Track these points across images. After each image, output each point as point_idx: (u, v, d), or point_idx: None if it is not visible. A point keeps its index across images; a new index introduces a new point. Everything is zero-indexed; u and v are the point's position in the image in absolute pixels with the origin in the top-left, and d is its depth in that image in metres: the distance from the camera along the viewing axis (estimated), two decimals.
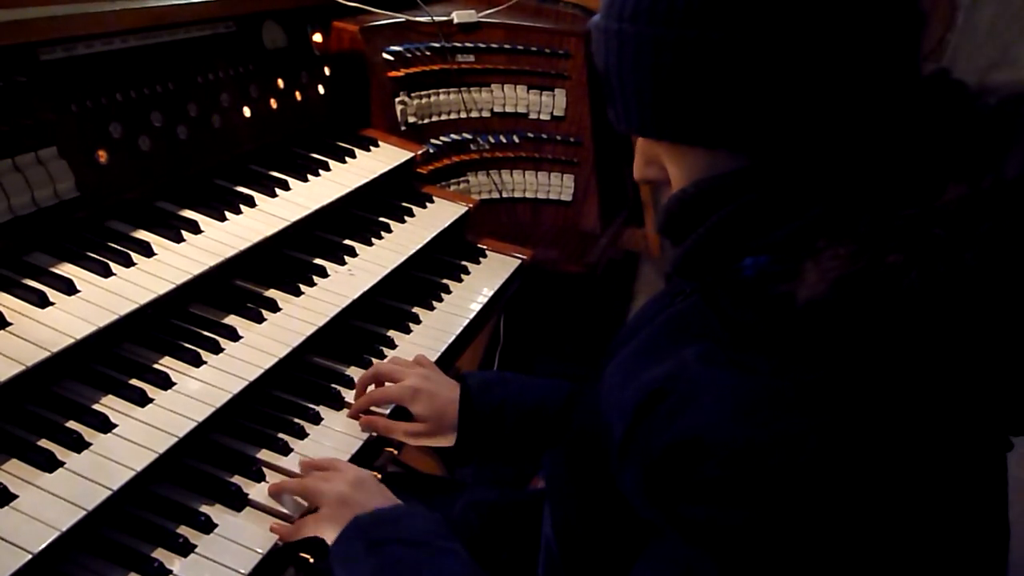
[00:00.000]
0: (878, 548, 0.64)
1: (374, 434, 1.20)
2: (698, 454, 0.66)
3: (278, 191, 1.47)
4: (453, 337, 1.45)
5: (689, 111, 0.73)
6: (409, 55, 1.90)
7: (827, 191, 0.70)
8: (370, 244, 1.54)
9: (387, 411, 1.23)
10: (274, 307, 1.30)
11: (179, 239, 1.27)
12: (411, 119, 1.91)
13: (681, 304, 0.82)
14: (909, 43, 0.72)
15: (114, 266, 1.16)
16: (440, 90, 1.99)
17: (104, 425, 1.00)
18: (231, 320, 1.24)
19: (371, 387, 1.25)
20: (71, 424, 0.99)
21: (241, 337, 1.21)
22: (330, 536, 0.99)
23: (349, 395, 1.25)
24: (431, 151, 1.92)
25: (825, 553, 0.64)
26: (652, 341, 0.82)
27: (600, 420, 0.86)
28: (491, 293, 1.60)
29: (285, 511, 1.04)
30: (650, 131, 0.78)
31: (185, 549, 0.95)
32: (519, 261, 1.73)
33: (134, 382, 1.08)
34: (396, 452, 1.23)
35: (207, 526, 0.99)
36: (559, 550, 0.94)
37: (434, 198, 1.77)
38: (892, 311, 0.62)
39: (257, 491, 1.05)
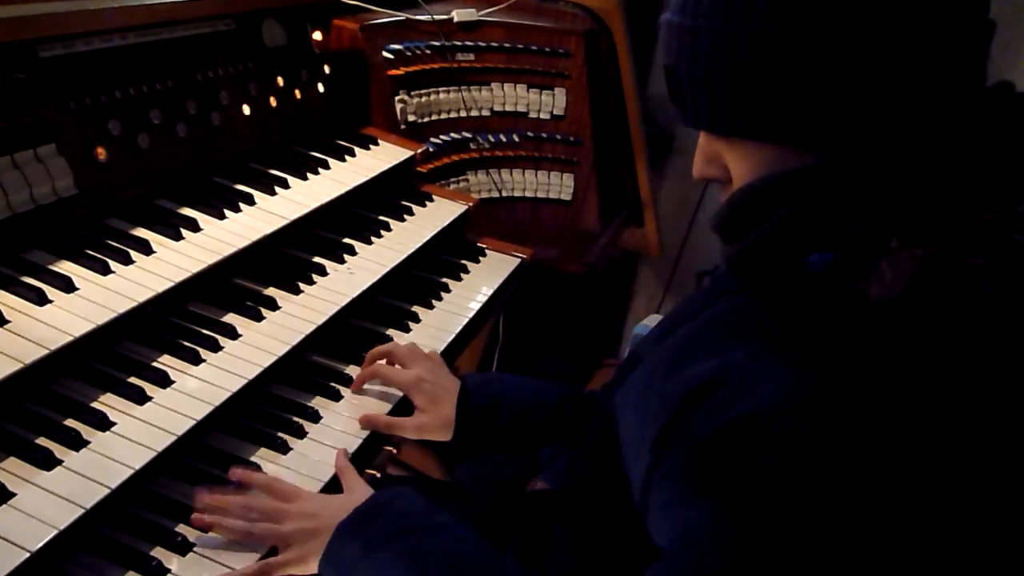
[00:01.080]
0: (929, 547, 0.64)
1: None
2: (754, 438, 0.66)
3: (278, 189, 1.47)
4: (453, 336, 1.45)
5: (762, 107, 0.74)
6: (409, 53, 1.90)
7: (897, 191, 0.70)
8: (370, 243, 1.54)
9: (387, 410, 1.23)
10: (273, 305, 1.29)
11: (178, 237, 1.27)
12: (411, 118, 1.91)
13: (727, 302, 0.82)
14: (979, 49, 0.73)
15: (113, 264, 1.16)
16: (440, 89, 1.99)
17: (103, 423, 1.00)
18: (230, 318, 1.24)
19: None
20: (70, 422, 0.99)
21: (240, 335, 1.21)
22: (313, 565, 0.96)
23: (349, 394, 1.25)
24: (431, 150, 1.92)
25: (876, 548, 0.63)
26: (696, 337, 0.82)
27: (626, 418, 0.85)
28: (491, 292, 1.60)
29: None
30: (720, 127, 0.79)
31: (184, 547, 0.95)
32: (519, 260, 1.73)
33: (133, 380, 1.07)
34: (395, 451, 1.23)
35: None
36: (577, 556, 0.94)
37: (434, 197, 1.77)
38: (967, 314, 0.62)
39: None
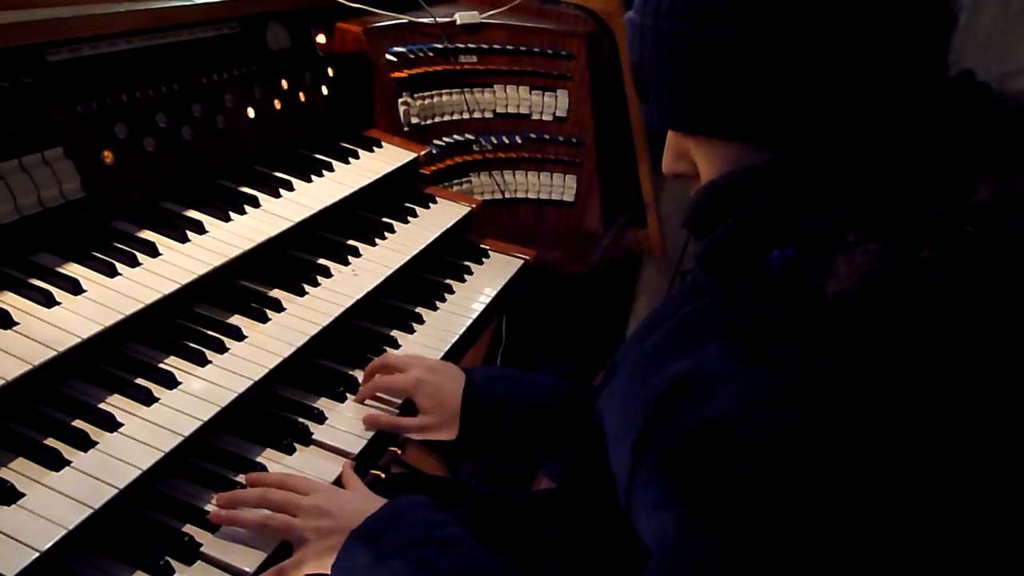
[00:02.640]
0: (896, 549, 0.64)
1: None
2: (721, 442, 0.67)
3: (282, 191, 1.48)
4: (456, 337, 1.46)
5: (723, 105, 0.74)
6: (412, 56, 1.90)
7: (856, 186, 0.70)
8: (373, 244, 1.55)
9: (392, 410, 1.23)
10: (278, 307, 1.30)
11: (184, 239, 1.27)
12: (414, 120, 1.92)
13: (702, 300, 0.83)
14: (939, 41, 0.73)
15: (120, 266, 1.17)
16: (443, 91, 2.00)
17: (110, 424, 1.01)
18: (236, 320, 1.25)
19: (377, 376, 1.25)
20: (77, 423, 1.00)
21: (246, 337, 1.22)
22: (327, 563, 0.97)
23: (353, 395, 1.26)
24: (434, 152, 1.92)
25: (839, 550, 0.64)
26: (673, 337, 0.83)
27: (611, 419, 0.86)
28: (494, 293, 1.60)
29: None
30: (684, 126, 0.79)
31: (191, 547, 0.96)
32: (521, 261, 1.74)
33: (140, 381, 1.08)
34: (400, 452, 1.24)
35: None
36: (571, 555, 0.94)
37: (437, 199, 1.78)
38: (922, 307, 0.63)
39: None
